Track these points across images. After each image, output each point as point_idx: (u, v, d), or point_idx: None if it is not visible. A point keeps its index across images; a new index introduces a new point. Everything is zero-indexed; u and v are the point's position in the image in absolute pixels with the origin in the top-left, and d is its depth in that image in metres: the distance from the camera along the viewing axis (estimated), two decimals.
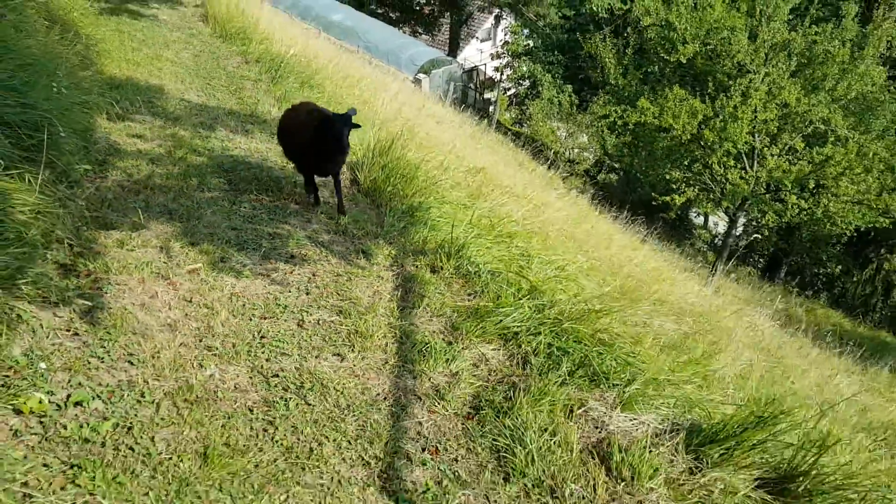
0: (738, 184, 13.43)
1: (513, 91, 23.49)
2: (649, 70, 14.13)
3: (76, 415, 2.11)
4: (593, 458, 2.42)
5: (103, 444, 2.04)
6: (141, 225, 3.49)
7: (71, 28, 6.36)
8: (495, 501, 2.28)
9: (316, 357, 2.83)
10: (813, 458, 2.27)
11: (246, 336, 2.83)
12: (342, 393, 2.66)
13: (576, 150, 18.55)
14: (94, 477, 1.89)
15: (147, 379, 2.38)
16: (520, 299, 3.24)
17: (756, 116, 13.10)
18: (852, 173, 12.31)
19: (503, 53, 22.64)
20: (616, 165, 18.52)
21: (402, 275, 3.73)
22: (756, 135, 13.51)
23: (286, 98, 6.80)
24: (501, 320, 3.12)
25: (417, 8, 28.26)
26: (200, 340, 2.73)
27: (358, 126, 4.05)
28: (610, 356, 2.84)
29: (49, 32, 5.26)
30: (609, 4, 19.72)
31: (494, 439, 2.51)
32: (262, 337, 2.86)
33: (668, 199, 14.10)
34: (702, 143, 13.25)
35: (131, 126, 5.07)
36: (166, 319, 2.80)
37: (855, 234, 15.87)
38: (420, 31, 28.58)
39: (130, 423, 2.16)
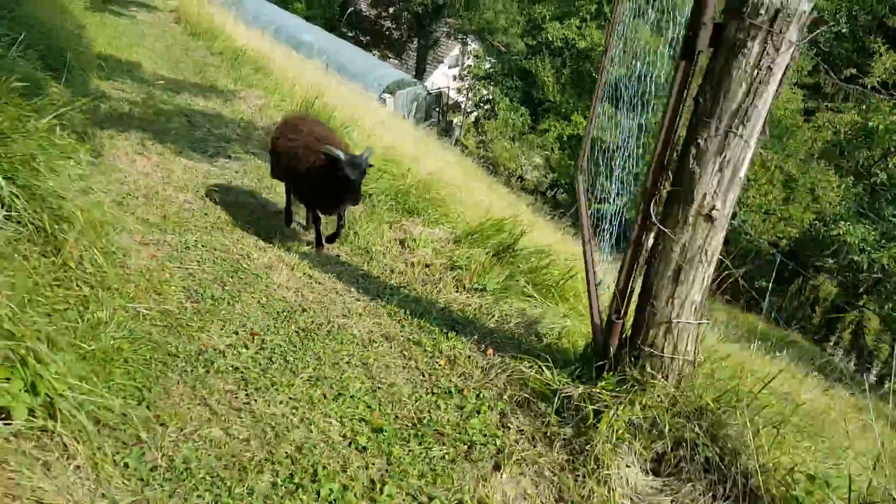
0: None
1: (474, 114, 25.94)
2: (584, 88, 16.57)
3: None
4: (398, 243, 4.40)
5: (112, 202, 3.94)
6: (124, 130, 5.43)
7: (69, 15, 8.40)
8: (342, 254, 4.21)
9: (238, 182, 4.78)
10: (515, 240, 4.28)
11: (194, 181, 4.78)
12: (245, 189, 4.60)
13: (528, 167, 20.85)
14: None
15: (135, 194, 4.28)
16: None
17: None
18: (758, 184, 14.67)
19: (466, 76, 25.15)
20: (562, 182, 20.82)
21: None
22: None
23: (242, 79, 8.84)
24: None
25: (387, 33, 30.96)
26: (164, 181, 4.67)
27: (371, 166, 3.83)
28: (425, 202, 4.84)
29: (56, 14, 7.29)
30: (564, 35, 22.44)
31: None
32: (206, 180, 4.81)
33: (599, 206, 16.32)
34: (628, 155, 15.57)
35: (115, 84, 7.04)
36: (143, 171, 4.74)
37: (778, 253, 18.18)
38: (390, 55, 31.21)
39: (123, 201, 4.05)
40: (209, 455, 2.22)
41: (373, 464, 2.37)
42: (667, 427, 2.58)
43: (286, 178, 4.26)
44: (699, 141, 2.33)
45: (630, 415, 2.63)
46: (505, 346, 3.26)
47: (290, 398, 2.63)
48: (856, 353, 17.30)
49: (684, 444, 2.60)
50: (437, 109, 28.22)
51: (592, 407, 2.69)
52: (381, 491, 2.26)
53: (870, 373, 16.68)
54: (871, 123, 15.08)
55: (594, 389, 2.73)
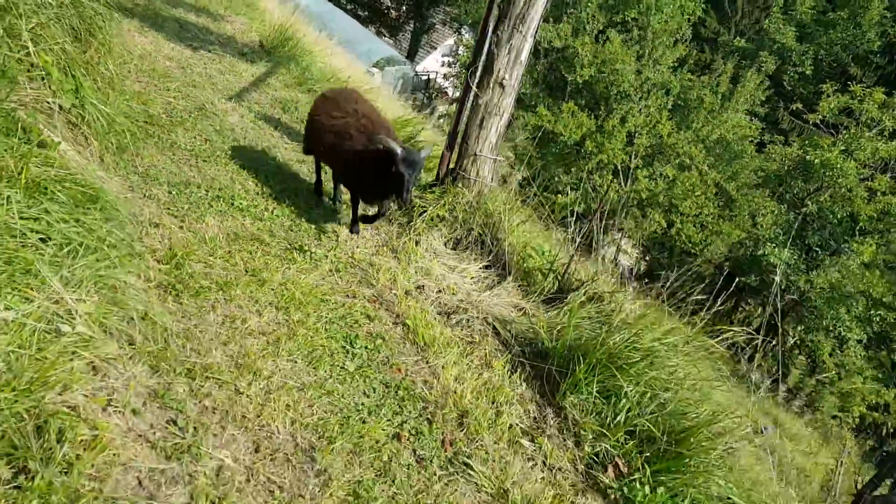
0: (611, 195, 17.54)
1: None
2: (553, 85, 18.37)
3: None
4: None
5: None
6: (128, 17, 6.99)
7: None
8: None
9: (214, 66, 6.37)
10: None
11: (178, 57, 6.37)
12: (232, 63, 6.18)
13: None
14: None
15: (133, 53, 5.85)
16: None
17: (634, 141, 17.36)
18: (694, 196, 16.57)
19: (454, 63, 26.87)
20: (523, 172, 22.51)
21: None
22: (632, 156, 17.74)
23: (232, 7, 10.40)
24: None
25: (385, 11, 32.63)
26: (155, 52, 6.26)
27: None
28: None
29: None
30: (550, 39, 24.24)
31: None
32: (189, 60, 6.40)
33: (555, 198, 18.09)
34: (580, 151, 17.39)
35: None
36: (139, 43, 6.32)
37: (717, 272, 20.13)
38: (385, 33, 32.87)
39: (126, 56, 5.63)
40: (168, 174, 3.83)
41: (267, 191, 4.00)
42: (461, 220, 4.25)
43: (326, 157, 4.12)
44: (498, 33, 4.01)
45: (442, 211, 4.29)
46: None
47: (222, 167, 4.25)
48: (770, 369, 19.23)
49: (472, 231, 4.27)
50: (424, 92, 29.96)
51: (421, 205, 4.35)
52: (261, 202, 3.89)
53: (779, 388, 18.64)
54: (808, 157, 17.07)
55: (425, 194, 4.39)
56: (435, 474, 2.62)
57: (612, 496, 2.82)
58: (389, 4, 32.53)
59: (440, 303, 3.81)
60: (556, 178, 18.53)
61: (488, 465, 2.74)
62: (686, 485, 2.75)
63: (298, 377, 2.73)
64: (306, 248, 3.73)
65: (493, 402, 3.12)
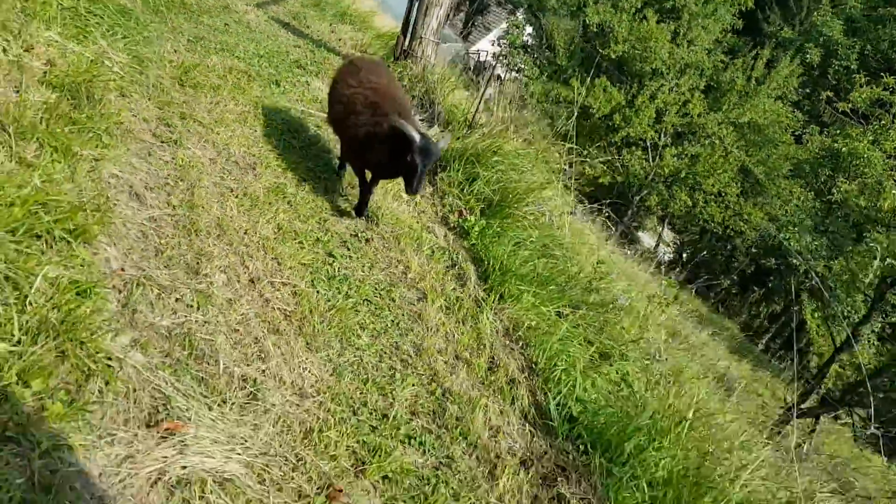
0: (636, 170, 18.69)
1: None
2: (588, 58, 19.62)
3: None
4: None
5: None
6: None
7: None
8: None
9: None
10: None
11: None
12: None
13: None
14: None
15: None
16: None
17: (664, 118, 18.46)
18: (717, 174, 17.58)
19: (504, 43, 28.32)
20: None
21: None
22: (661, 133, 18.84)
23: None
24: None
25: None
26: None
27: None
28: None
29: None
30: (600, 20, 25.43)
31: None
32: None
33: (584, 169, 19.35)
34: (609, 124, 18.61)
35: None
36: None
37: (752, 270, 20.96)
38: None
39: None
40: (189, 32, 5.48)
41: (261, 52, 5.63)
42: (408, 87, 5.79)
43: (338, 129, 3.98)
44: None
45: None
46: None
47: (232, 36, 5.89)
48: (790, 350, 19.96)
49: (415, 96, 5.80)
50: (473, 71, 31.59)
51: None
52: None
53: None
54: (836, 145, 17.84)
55: None
56: None
57: (455, 226, 4.32)
58: None
59: None
60: (586, 152, 19.79)
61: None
62: (503, 223, 4.21)
63: (254, 131, 4.33)
64: (281, 83, 5.34)
65: None
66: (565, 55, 19.94)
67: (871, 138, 17.58)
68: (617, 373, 3.54)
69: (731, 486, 2.82)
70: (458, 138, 5.04)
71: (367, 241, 3.94)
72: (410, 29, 5.86)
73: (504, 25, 36.02)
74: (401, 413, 2.79)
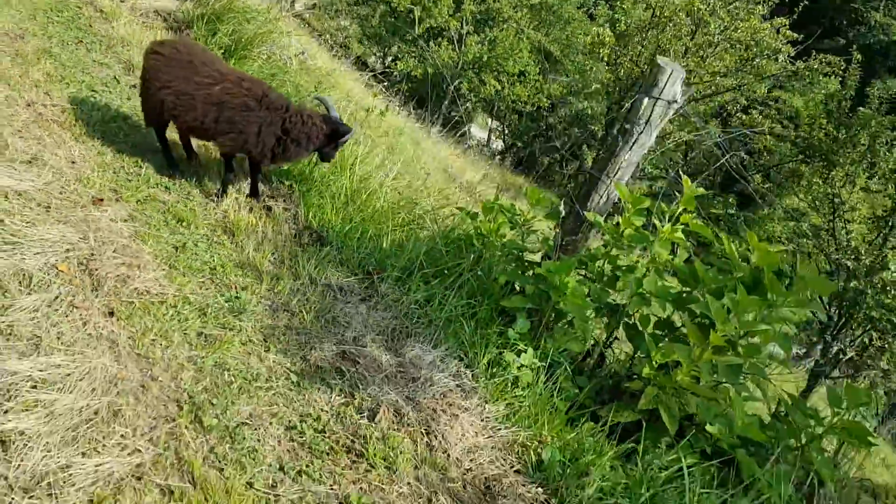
0: (444, 60, 20.47)
1: None
2: None
3: None
4: None
5: None
6: None
7: None
8: None
9: None
10: None
11: None
12: None
13: (346, 35, 25.02)
14: None
15: None
16: None
17: (462, 7, 20.21)
18: (514, 55, 19.71)
19: None
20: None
21: None
22: (463, 22, 20.63)
23: None
24: None
25: None
26: None
27: None
28: None
29: None
30: None
31: None
32: None
33: (393, 65, 20.89)
34: (411, 17, 20.16)
35: None
36: None
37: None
38: None
39: None
40: None
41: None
42: None
43: (201, 133, 4.21)
44: None
45: None
46: None
47: None
48: None
49: None
50: None
51: None
52: None
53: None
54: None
55: None
56: None
57: None
58: None
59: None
60: (396, 48, 21.30)
61: None
62: (239, 62, 5.76)
63: (20, 13, 5.50)
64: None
65: None
66: None
67: None
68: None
69: (381, 190, 4.62)
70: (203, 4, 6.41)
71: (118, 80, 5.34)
72: None
73: None
74: (150, 173, 4.31)
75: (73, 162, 4.06)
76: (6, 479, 2.09)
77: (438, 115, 22.08)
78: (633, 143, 3.70)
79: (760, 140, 11.90)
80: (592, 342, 3.83)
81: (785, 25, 12.66)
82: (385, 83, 18.95)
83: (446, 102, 22.27)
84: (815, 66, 11.94)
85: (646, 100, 3.62)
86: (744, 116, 14.06)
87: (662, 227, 3.56)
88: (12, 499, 2.04)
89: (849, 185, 9.17)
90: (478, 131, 29.51)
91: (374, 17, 21.83)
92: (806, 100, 12.22)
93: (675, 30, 13.69)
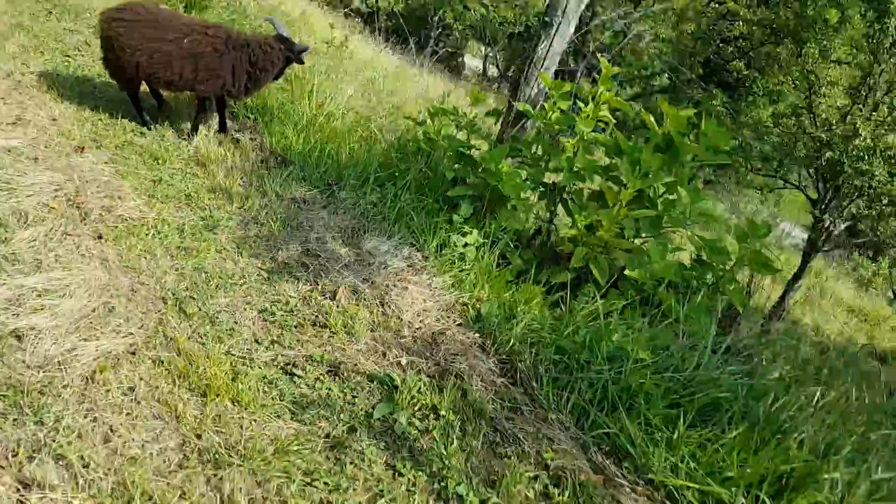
0: None
1: None
2: None
3: None
4: None
5: None
6: None
7: None
8: None
9: None
10: None
11: None
12: None
13: None
14: None
15: None
16: None
17: None
18: None
19: None
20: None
21: None
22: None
23: None
24: None
25: None
26: None
27: None
28: None
29: None
30: None
31: None
32: None
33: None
34: None
35: None
36: None
37: None
38: None
39: None
40: None
41: None
42: None
43: (177, 85, 4.56)
44: None
45: None
46: None
47: None
48: None
49: None
50: None
51: None
52: None
53: None
54: None
55: None
56: None
57: None
58: None
59: None
60: None
61: None
62: (200, 12, 6.13)
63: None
64: None
65: None
66: None
67: None
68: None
69: (338, 112, 5.05)
70: None
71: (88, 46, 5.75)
72: None
73: None
74: (125, 122, 4.76)
75: (55, 119, 4.52)
76: (24, 361, 2.61)
77: (428, 49, 22.16)
78: (554, 34, 4.05)
79: (735, 27, 11.97)
80: (540, 221, 4.27)
81: None
82: (360, 19, 19.07)
83: (434, 34, 22.32)
84: None
85: None
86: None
87: (585, 107, 3.95)
88: (31, 374, 2.56)
89: (824, 61, 9.34)
90: (472, 61, 29.46)
91: None
92: None
93: None
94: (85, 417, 2.41)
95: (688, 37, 15.57)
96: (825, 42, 8.91)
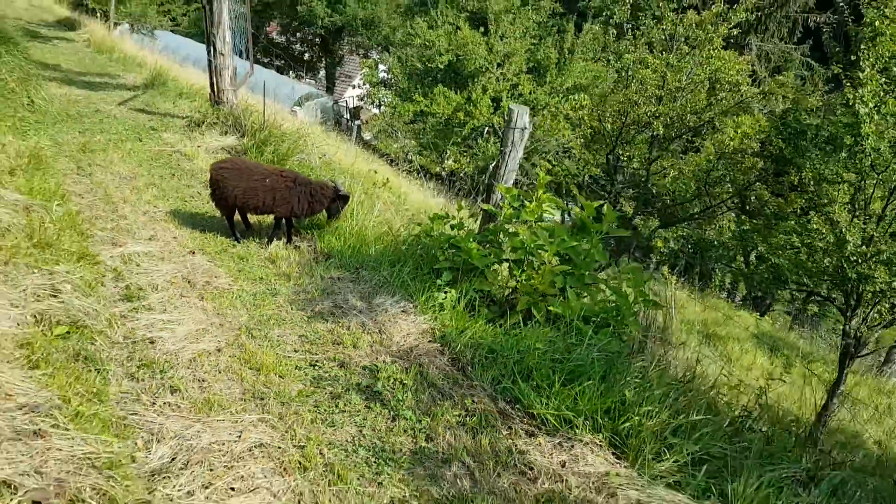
0: (492, 152, 23.48)
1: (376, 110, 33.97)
2: (422, 73, 24.54)
3: None
4: None
5: None
6: (52, 79, 13.17)
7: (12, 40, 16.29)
8: None
9: (107, 94, 12.49)
10: None
11: (86, 95, 12.49)
12: None
13: (407, 151, 28.69)
14: None
15: (56, 97, 11.96)
16: None
17: (501, 104, 23.37)
18: (554, 135, 22.49)
19: (363, 85, 33.29)
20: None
21: None
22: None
23: (127, 69, 16.65)
24: None
25: (299, 56, 39.47)
26: (72, 95, 12.40)
27: None
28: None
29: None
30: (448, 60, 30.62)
31: None
32: (90, 96, 12.52)
33: (448, 164, 24.05)
34: (455, 122, 23.44)
35: (47, 70, 14.84)
36: (59, 90, 12.47)
37: None
38: (303, 75, 39.65)
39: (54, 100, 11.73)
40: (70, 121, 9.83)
41: (122, 129, 10.00)
42: (221, 120, 10.21)
43: (260, 209, 6.91)
44: (213, 5, 10.05)
45: (214, 118, 10.24)
46: None
47: (103, 119, 10.25)
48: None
49: (227, 123, 10.20)
50: (346, 118, 36.57)
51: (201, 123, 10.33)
52: None
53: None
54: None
55: (208, 110, 10.36)
56: None
57: None
58: (300, 48, 39.37)
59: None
60: (444, 150, 24.52)
61: None
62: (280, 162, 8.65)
63: (131, 160, 8.63)
64: (143, 139, 9.66)
65: None
66: (404, 77, 24.80)
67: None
68: None
69: (368, 224, 7.19)
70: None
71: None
72: (216, 85, 10.28)
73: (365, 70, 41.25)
74: (223, 238, 7.05)
75: (175, 237, 6.84)
76: (154, 351, 4.62)
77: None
78: (508, 158, 6.09)
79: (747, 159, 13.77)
80: (510, 287, 6.09)
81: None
82: (436, 181, 21.98)
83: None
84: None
85: (508, 130, 6.04)
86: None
87: (529, 204, 5.89)
88: (159, 356, 4.55)
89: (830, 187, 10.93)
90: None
91: (427, 128, 25.25)
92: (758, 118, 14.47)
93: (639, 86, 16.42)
94: (189, 375, 4.36)
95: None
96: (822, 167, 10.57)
